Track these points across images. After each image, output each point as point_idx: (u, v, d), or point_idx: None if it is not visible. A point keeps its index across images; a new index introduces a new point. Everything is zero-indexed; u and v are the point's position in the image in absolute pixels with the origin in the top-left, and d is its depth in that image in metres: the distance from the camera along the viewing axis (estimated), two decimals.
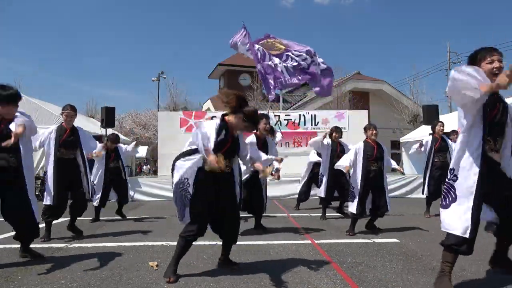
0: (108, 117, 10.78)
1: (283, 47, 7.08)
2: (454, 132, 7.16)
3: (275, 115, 12.68)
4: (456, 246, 2.58)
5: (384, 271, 3.28)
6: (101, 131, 11.15)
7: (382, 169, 5.07)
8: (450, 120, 12.31)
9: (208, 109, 25.11)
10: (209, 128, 3.05)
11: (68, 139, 4.74)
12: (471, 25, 55.13)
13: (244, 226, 5.60)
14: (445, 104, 26.27)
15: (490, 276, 3.10)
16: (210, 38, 65.39)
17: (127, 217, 6.79)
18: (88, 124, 13.72)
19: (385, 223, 5.86)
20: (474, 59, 2.71)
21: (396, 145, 17.00)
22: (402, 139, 14.83)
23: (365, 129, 5.20)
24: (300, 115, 12.90)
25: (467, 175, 2.60)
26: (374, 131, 5.09)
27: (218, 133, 3.05)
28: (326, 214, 6.58)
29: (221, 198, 3.16)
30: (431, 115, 11.14)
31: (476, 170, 2.56)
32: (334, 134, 6.45)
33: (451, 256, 2.65)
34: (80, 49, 58.26)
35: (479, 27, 53.78)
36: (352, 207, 4.99)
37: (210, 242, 4.16)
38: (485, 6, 55.96)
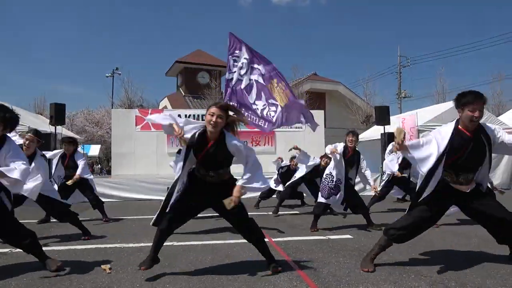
0: (57, 114, 10.26)
1: (284, 101, 6.23)
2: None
3: None
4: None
5: (338, 266, 3.38)
6: (50, 129, 10.58)
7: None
8: (399, 121, 12.93)
9: (165, 107, 24.58)
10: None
11: None
12: (421, 30, 58.21)
13: (201, 225, 5.55)
14: (396, 105, 27.59)
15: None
16: (168, 37, 64.13)
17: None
18: (36, 121, 12.97)
19: (339, 219, 6.06)
20: (459, 101, 3.06)
21: None
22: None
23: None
24: None
25: None
26: (351, 138, 5.24)
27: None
28: (280, 212, 6.88)
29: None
30: (382, 115, 11.63)
31: None
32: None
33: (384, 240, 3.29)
34: (28, 41, 54.90)
35: (429, 31, 56.91)
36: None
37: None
38: (436, 12, 59.30)
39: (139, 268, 3.10)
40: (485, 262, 3.41)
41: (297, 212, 7.24)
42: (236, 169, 3.19)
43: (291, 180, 7.00)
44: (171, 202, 3.15)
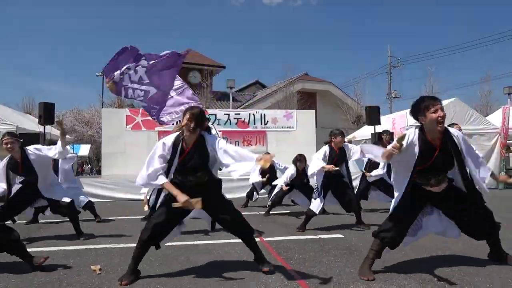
0: (46, 113, 10.13)
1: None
2: (384, 132, 7.57)
3: (209, 115, 12.37)
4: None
5: (329, 266, 3.40)
6: (39, 129, 10.44)
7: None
8: (390, 121, 13.04)
9: None
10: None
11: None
12: (412, 30, 58.80)
13: (192, 226, 5.53)
14: (386, 105, 27.82)
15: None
16: (158, 36, 63.78)
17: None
18: (25, 121, 12.80)
19: (331, 219, 6.09)
20: (418, 108, 2.98)
21: None
22: (346, 139, 15.45)
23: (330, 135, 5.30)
24: (249, 114, 13.02)
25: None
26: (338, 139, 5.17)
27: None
28: (271, 212, 6.83)
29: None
30: (373, 115, 11.71)
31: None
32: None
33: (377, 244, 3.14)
34: (16, 39, 54.10)
35: (419, 32, 57.50)
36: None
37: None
38: (426, 13, 59.95)
39: (119, 283, 2.92)
40: (473, 260, 3.46)
41: (289, 211, 7.25)
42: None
43: (276, 190, 6.75)
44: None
